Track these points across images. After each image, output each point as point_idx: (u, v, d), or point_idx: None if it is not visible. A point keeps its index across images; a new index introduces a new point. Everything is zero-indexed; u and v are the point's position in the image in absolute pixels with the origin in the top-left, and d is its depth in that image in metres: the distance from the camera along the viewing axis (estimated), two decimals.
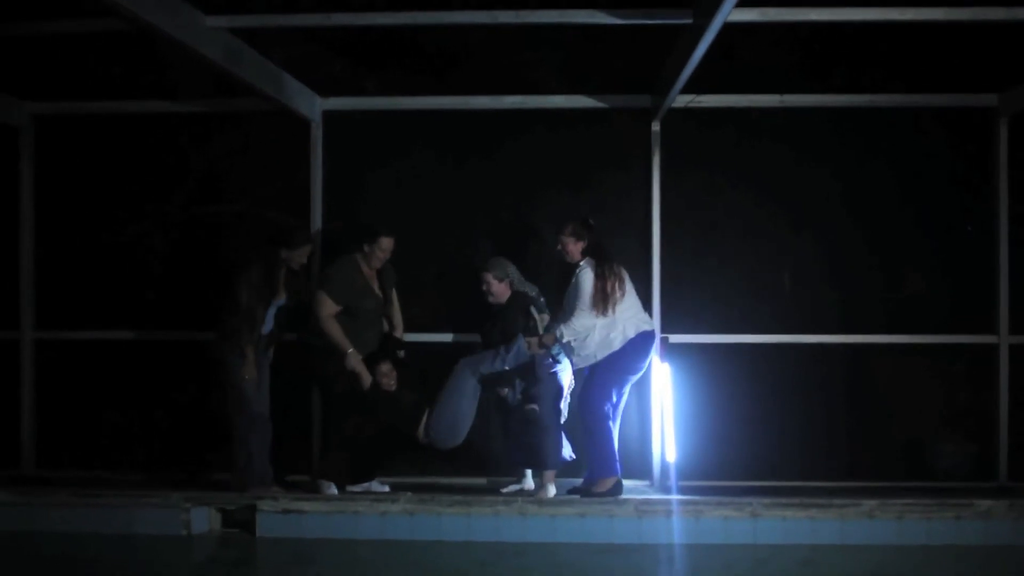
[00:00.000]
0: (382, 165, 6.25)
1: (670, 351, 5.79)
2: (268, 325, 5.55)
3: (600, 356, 5.42)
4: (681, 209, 6.13)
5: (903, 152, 6.13)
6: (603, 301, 5.37)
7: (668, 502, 5.23)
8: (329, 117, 6.24)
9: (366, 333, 5.67)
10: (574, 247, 5.55)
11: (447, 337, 6.19)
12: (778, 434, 6.06)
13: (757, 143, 6.13)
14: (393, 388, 5.61)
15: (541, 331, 5.52)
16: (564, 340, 5.41)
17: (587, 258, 5.50)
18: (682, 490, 5.62)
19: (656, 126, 6.08)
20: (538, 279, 5.83)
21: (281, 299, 5.57)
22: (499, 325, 5.64)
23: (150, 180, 6.37)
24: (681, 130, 6.08)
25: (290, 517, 5.19)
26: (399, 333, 5.90)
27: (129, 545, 5.12)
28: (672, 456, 5.70)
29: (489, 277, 5.66)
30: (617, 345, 5.40)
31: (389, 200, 6.22)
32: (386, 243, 5.61)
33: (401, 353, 5.79)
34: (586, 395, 5.50)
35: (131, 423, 6.29)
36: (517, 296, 5.66)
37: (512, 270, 5.70)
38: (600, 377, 5.46)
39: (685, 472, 5.78)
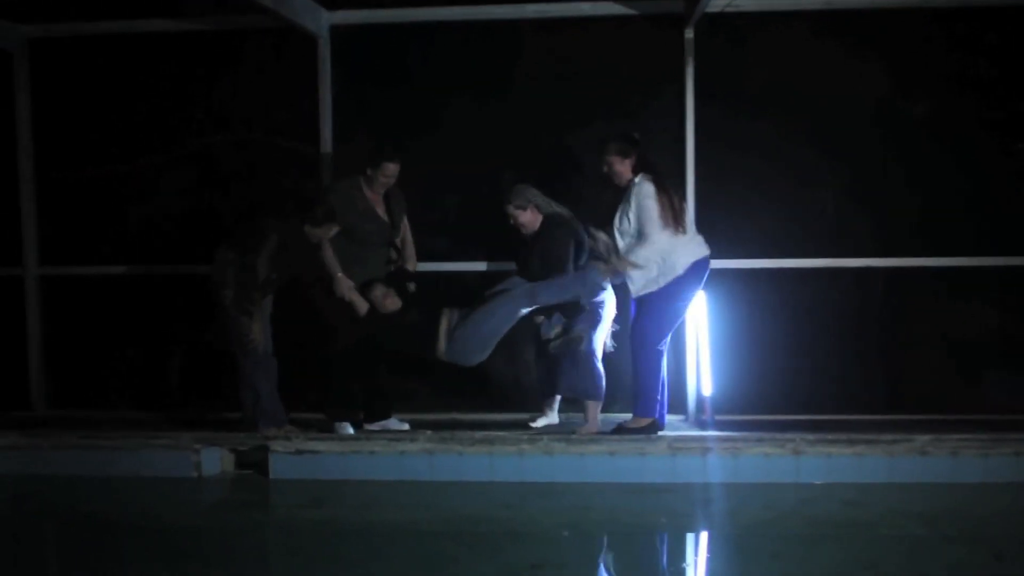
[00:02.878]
0: (396, 83, 5.89)
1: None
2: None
3: (662, 283, 4.99)
4: (717, 125, 5.71)
5: (958, 57, 5.65)
6: (674, 216, 4.92)
7: (704, 439, 4.96)
8: (337, 32, 5.85)
9: (369, 260, 5.36)
10: (622, 166, 5.07)
11: (467, 266, 5.89)
12: (821, 364, 5.73)
13: (799, 52, 5.68)
14: (396, 309, 5.27)
15: (606, 254, 5.04)
16: (643, 265, 4.96)
17: (641, 174, 5.06)
18: (719, 425, 5.34)
19: (689, 34, 5.63)
20: (575, 204, 5.43)
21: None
22: (537, 252, 5.26)
23: (153, 105, 6.08)
24: (717, 38, 5.64)
25: (304, 458, 4.97)
26: (411, 265, 5.57)
27: (138, 488, 4.96)
28: (708, 389, 5.40)
29: (511, 209, 5.28)
30: (680, 270, 4.97)
31: (403, 121, 5.87)
32: (390, 168, 5.26)
33: (412, 287, 5.48)
34: (642, 329, 5.05)
35: (141, 361, 6.11)
36: (550, 219, 5.28)
37: (533, 194, 5.30)
38: (658, 311, 5.02)
39: (722, 406, 5.48)
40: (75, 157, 6.14)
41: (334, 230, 5.19)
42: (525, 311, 5.11)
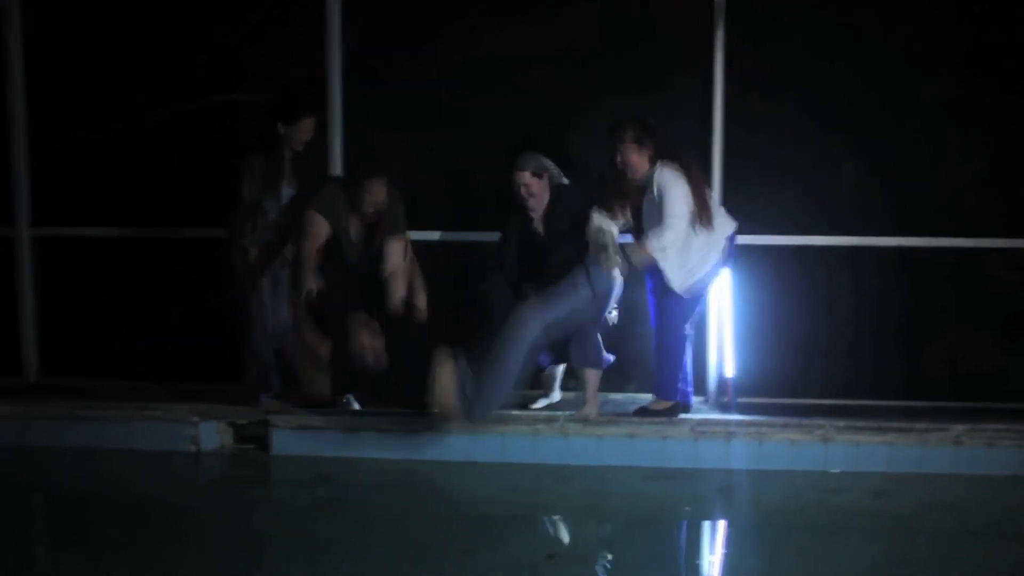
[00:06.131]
0: (412, 44, 5.57)
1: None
2: (272, 215, 4.97)
3: (699, 275, 4.70)
4: (747, 92, 5.36)
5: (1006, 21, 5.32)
6: (703, 210, 4.58)
7: (727, 423, 4.76)
8: None
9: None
10: (639, 158, 4.66)
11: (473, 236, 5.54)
12: (849, 347, 5.44)
13: (843, 8, 5.33)
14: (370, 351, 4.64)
15: (606, 241, 4.59)
16: (659, 253, 4.60)
17: (660, 161, 4.68)
18: (742, 408, 5.09)
19: None
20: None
21: (290, 188, 4.98)
22: (558, 232, 4.85)
23: (154, 60, 5.76)
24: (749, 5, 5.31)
25: (307, 433, 4.80)
26: (419, 300, 4.94)
27: (132, 462, 4.80)
28: (731, 370, 5.15)
29: (526, 176, 4.81)
30: (713, 261, 4.71)
31: (418, 86, 5.53)
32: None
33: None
34: (668, 312, 4.78)
35: (139, 328, 5.83)
36: (563, 192, 4.88)
37: (548, 163, 4.90)
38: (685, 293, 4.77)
39: (745, 388, 5.22)
40: (71, 112, 5.85)
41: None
42: (539, 336, 4.49)
